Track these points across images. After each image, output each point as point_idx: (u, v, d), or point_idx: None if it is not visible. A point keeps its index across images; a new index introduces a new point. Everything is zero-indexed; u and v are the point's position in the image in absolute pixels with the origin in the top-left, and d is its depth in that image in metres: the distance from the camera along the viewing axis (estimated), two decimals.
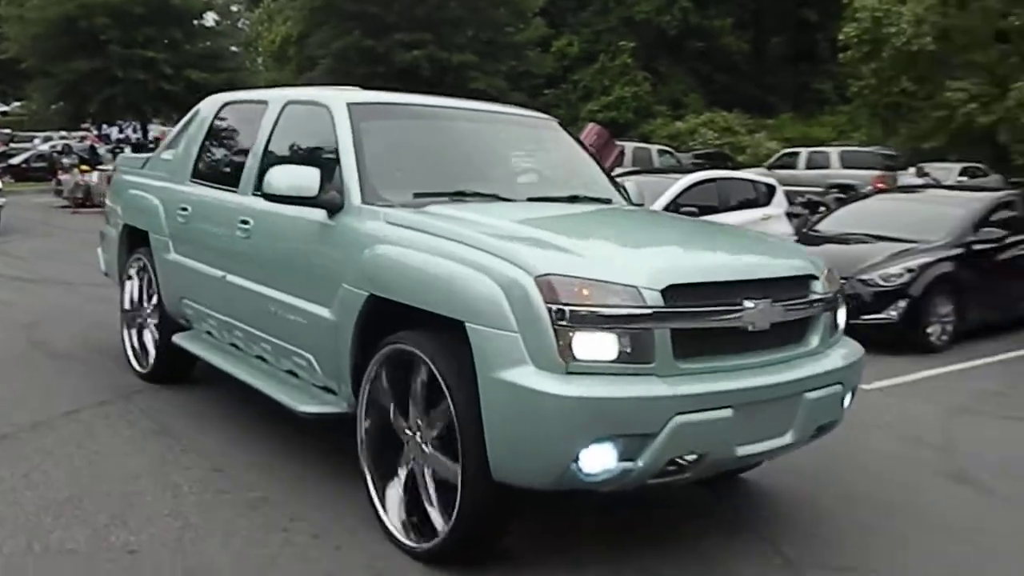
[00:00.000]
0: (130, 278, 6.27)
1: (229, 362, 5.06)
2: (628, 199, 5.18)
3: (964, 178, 24.62)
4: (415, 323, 3.69)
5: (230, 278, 4.90)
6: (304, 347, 4.32)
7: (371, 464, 3.95)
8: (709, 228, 5.11)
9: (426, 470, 3.69)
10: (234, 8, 47.19)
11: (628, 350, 3.25)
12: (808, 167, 26.71)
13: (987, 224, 9.26)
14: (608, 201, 4.96)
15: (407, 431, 3.77)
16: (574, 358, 3.20)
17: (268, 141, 4.90)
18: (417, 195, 4.27)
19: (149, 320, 6.07)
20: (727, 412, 3.37)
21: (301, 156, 4.72)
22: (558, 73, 38.30)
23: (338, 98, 4.64)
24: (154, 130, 38.72)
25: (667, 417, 3.24)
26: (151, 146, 32.56)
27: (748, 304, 3.49)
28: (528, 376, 3.20)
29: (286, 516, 4.05)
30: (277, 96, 5.08)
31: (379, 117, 4.63)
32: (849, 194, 18.34)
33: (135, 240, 6.20)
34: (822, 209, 14.20)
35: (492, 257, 3.43)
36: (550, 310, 3.21)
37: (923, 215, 9.56)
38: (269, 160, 4.82)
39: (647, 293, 3.28)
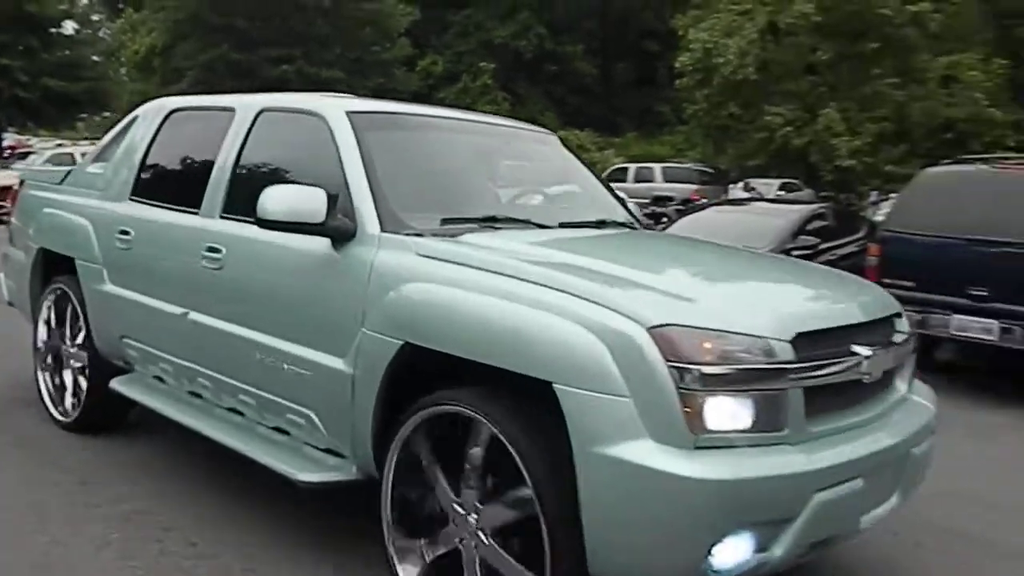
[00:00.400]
0: (46, 310, 5.01)
1: (191, 414, 4.00)
2: (639, 221, 4.33)
3: (783, 192, 25.96)
4: (467, 379, 2.83)
5: (194, 316, 3.84)
6: (303, 402, 3.35)
7: (401, 540, 3.05)
8: (775, 259, 4.35)
9: (477, 559, 2.81)
10: (95, 17, 43.82)
11: (763, 415, 2.46)
12: (636, 180, 27.63)
13: (803, 233, 9.36)
14: (632, 226, 4.10)
15: (457, 507, 2.86)
16: (705, 429, 2.43)
17: (239, 155, 3.88)
18: (446, 221, 3.37)
19: (72, 360, 4.85)
20: (859, 483, 2.67)
21: (286, 174, 3.71)
22: (423, 91, 37.42)
23: (334, 106, 3.68)
24: (8, 138, 35.36)
25: (808, 496, 2.51)
26: (6, 156, 29.72)
27: (864, 351, 2.75)
28: (648, 453, 2.42)
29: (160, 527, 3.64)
30: (247, 103, 4.05)
31: (385, 129, 3.69)
32: (666, 204, 20.25)
33: (53, 266, 4.96)
34: (664, 219, 14.39)
35: (582, 302, 2.62)
36: (673, 369, 2.42)
37: (750, 225, 9.56)
38: (243, 178, 3.81)
39: (777, 345, 2.55)
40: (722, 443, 2.44)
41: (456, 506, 2.86)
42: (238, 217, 3.77)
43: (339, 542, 3.56)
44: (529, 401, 2.65)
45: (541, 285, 2.71)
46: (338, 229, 3.22)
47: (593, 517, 2.46)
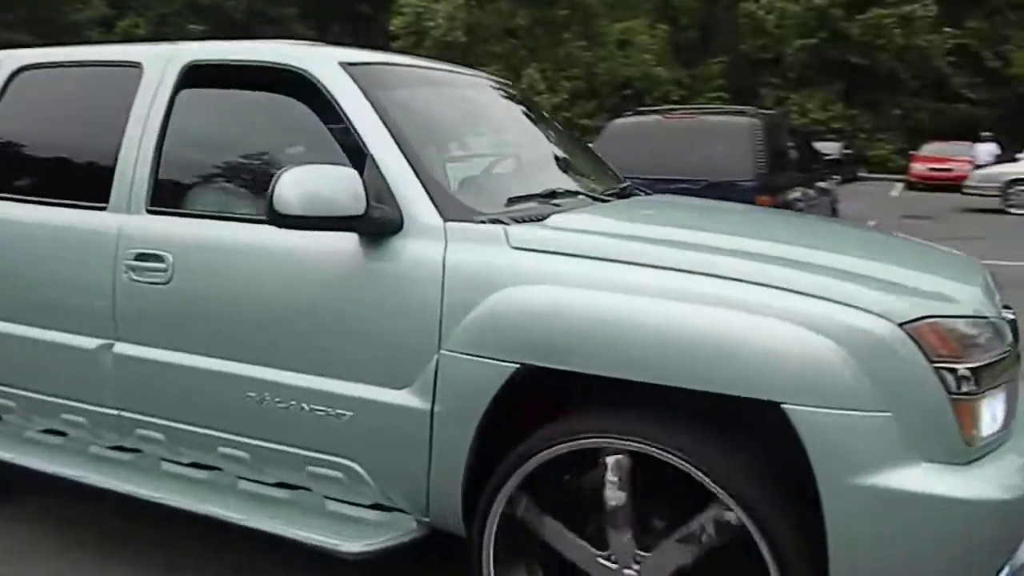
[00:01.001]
0: None
1: (122, 475, 2.74)
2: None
3: None
4: (610, 402, 2.06)
5: (122, 349, 2.59)
6: (336, 451, 2.35)
7: None
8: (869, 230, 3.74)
9: None
10: None
11: (1007, 411, 1.97)
12: None
13: None
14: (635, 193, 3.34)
15: (604, 562, 2.07)
16: (979, 438, 1.88)
17: (163, 129, 2.62)
18: (512, 200, 2.46)
19: None
20: None
21: (254, 154, 2.56)
22: None
23: (320, 58, 2.56)
24: None
25: None
26: None
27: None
28: (925, 477, 1.80)
29: None
30: (160, 55, 2.75)
31: (392, 87, 2.62)
32: None
33: None
34: None
35: (794, 297, 1.91)
36: (941, 371, 1.81)
37: None
38: (178, 160, 2.63)
39: (1001, 327, 1.99)
40: (985, 452, 1.90)
41: (603, 561, 2.09)
42: (181, 211, 2.61)
43: None
44: (724, 430, 1.95)
45: (725, 279, 1.97)
46: (382, 222, 2.24)
47: (850, 562, 1.83)
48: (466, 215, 2.25)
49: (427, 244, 2.21)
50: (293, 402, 2.36)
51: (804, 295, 1.90)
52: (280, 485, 2.54)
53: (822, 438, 1.80)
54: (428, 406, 2.17)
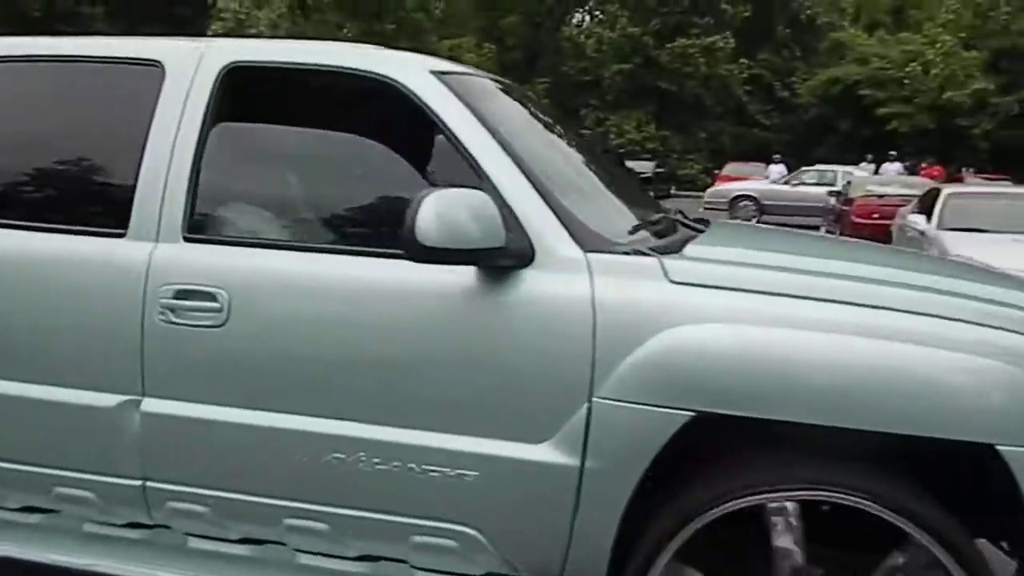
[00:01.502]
0: None
1: (148, 558, 2.23)
2: None
3: None
4: (797, 449, 1.90)
5: (156, 406, 2.12)
6: (450, 517, 2.03)
7: None
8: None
9: None
10: None
11: None
12: None
13: None
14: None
15: None
16: None
17: (200, 145, 2.17)
18: (634, 228, 2.26)
19: None
20: None
21: (324, 175, 2.18)
22: None
23: (409, 64, 2.23)
24: None
25: None
26: None
27: None
28: None
29: None
30: (187, 53, 2.27)
31: (486, 99, 2.30)
32: None
33: None
34: None
35: (972, 327, 1.86)
36: None
37: None
38: (221, 182, 2.19)
39: None
40: None
41: None
42: (235, 239, 2.18)
43: None
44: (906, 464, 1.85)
45: (902, 312, 1.86)
46: (517, 253, 1.95)
47: None
48: (605, 246, 2.01)
49: (569, 278, 1.94)
50: (398, 463, 2.00)
51: (985, 326, 1.83)
52: (363, 559, 2.16)
53: None
54: (576, 462, 1.91)
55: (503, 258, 1.92)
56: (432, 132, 2.12)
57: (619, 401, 1.88)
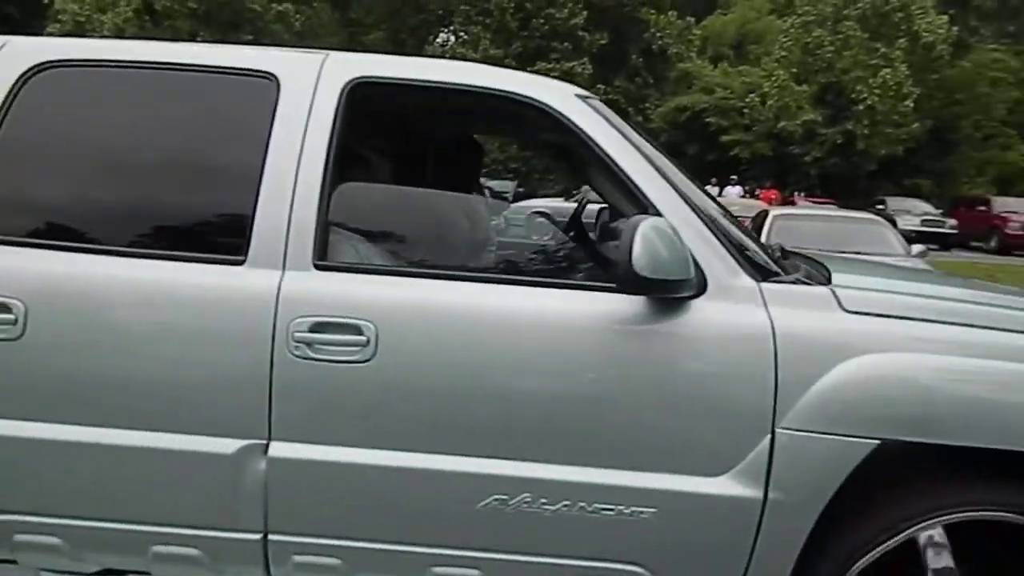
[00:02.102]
0: None
1: None
2: None
3: None
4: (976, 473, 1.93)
5: (286, 451, 1.91)
6: (625, 555, 1.95)
7: None
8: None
9: None
10: None
11: None
12: None
13: None
14: None
15: None
16: None
17: (327, 167, 1.99)
18: (784, 255, 2.27)
19: None
20: None
21: (457, 200, 2.08)
22: None
23: (555, 88, 2.13)
24: None
25: None
26: None
27: None
28: None
29: None
30: (303, 66, 2.08)
31: (621, 123, 2.21)
32: None
33: None
34: None
35: None
36: None
37: None
38: (347, 206, 2.04)
39: None
40: None
41: None
42: (368, 266, 2.01)
43: None
44: None
45: None
46: (697, 283, 1.90)
47: None
48: (772, 275, 2.01)
49: (746, 308, 1.92)
50: (566, 502, 1.90)
51: None
52: None
53: None
54: (759, 494, 1.88)
55: (687, 288, 1.87)
56: (576, 155, 2.05)
57: (804, 431, 1.87)
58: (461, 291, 1.97)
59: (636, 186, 1.98)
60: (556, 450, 1.91)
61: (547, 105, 2.03)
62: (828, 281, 2.11)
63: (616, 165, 1.99)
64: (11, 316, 1.91)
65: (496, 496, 1.91)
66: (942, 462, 1.94)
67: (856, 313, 1.94)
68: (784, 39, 34.01)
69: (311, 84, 2.04)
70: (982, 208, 21.78)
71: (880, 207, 20.61)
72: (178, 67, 2.11)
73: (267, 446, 1.93)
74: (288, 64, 2.08)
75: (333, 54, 2.12)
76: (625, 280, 1.77)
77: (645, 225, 1.76)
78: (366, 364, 1.90)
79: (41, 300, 1.94)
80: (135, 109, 2.12)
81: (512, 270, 2.09)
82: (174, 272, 1.98)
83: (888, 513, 1.93)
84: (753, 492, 1.88)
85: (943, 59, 31.25)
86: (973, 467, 1.93)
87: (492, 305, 1.95)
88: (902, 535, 1.90)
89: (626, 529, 1.91)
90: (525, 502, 1.91)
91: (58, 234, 2.04)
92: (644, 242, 1.74)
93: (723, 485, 1.89)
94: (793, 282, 2.01)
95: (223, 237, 2.02)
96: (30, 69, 2.06)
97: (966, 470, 1.94)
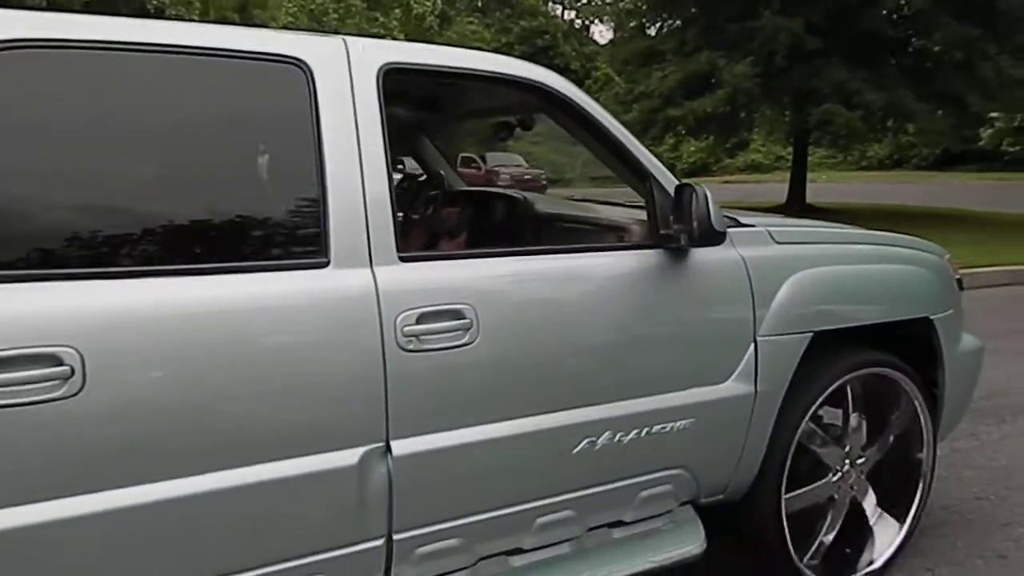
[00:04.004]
0: None
1: None
2: None
3: None
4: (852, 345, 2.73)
5: (406, 447, 1.90)
6: (667, 464, 2.35)
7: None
8: None
9: (847, 501, 2.82)
10: None
11: None
12: None
13: None
14: None
15: (845, 461, 2.78)
16: None
17: (386, 157, 1.97)
18: None
19: None
20: None
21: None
22: None
23: (548, 72, 2.30)
24: None
25: None
26: None
27: None
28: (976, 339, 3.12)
29: None
30: (329, 51, 1.92)
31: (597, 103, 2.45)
32: None
33: None
34: None
35: (903, 250, 2.95)
36: None
37: None
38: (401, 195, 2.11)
39: None
40: None
41: (845, 460, 2.76)
42: (443, 253, 2.04)
43: None
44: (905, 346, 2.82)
45: (882, 245, 2.85)
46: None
47: (950, 393, 2.95)
48: (729, 222, 2.50)
49: (725, 250, 2.40)
50: (636, 431, 2.21)
51: (909, 248, 2.93)
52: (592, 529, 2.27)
53: (945, 330, 2.87)
54: (752, 389, 2.42)
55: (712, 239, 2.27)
56: (576, 131, 2.31)
57: (772, 336, 2.44)
58: (537, 263, 2.12)
59: (635, 158, 2.31)
60: (625, 389, 2.20)
61: (549, 86, 2.23)
62: (740, 225, 2.69)
63: (616, 138, 2.30)
64: (65, 368, 1.54)
65: (587, 439, 2.14)
66: (852, 339, 2.67)
67: (784, 244, 2.56)
68: (289, 5, 34.21)
69: (345, 71, 1.94)
70: (475, 167, 24.14)
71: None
72: (194, 51, 1.81)
73: (388, 447, 1.88)
74: (315, 48, 1.93)
75: (350, 38, 2.02)
76: (706, 237, 2.13)
77: (704, 190, 2.13)
78: (472, 346, 1.95)
79: (101, 342, 1.59)
80: (154, 98, 1.78)
81: (576, 239, 2.28)
82: (255, 284, 1.77)
83: (825, 375, 2.61)
84: (748, 389, 2.41)
85: (433, 29, 34.56)
86: (868, 339, 2.71)
87: (563, 273, 2.14)
88: (835, 385, 2.61)
89: (675, 440, 2.29)
90: (607, 439, 2.17)
91: (103, 260, 1.66)
92: (715, 205, 2.11)
93: (730, 388, 2.38)
94: (739, 226, 2.54)
95: (296, 240, 1.85)
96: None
97: (864, 342, 2.71)
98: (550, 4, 34.47)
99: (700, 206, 2.14)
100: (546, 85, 2.24)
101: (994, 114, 20.67)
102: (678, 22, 18.28)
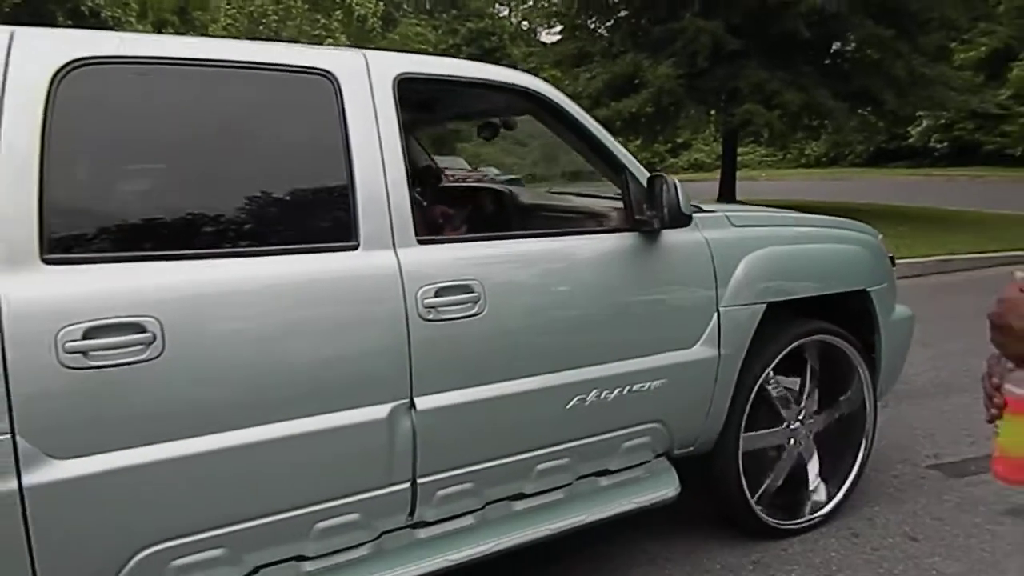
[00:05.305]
0: None
1: (425, 554, 2.31)
2: None
3: None
4: (806, 316, 3.14)
5: (427, 403, 2.23)
6: (645, 419, 2.72)
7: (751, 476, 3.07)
8: None
9: (795, 453, 3.24)
10: None
11: None
12: None
13: None
14: None
15: (796, 417, 3.20)
16: None
17: (405, 154, 2.30)
18: None
19: None
20: None
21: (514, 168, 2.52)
22: None
23: (532, 78, 2.66)
24: None
25: None
26: None
27: None
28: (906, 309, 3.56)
29: None
30: (352, 63, 2.25)
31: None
32: None
33: None
34: None
35: (841, 231, 3.38)
36: None
37: None
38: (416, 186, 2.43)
39: None
40: None
41: (798, 416, 3.18)
42: (455, 236, 2.37)
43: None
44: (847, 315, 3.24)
45: (824, 228, 3.26)
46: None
47: (886, 356, 3.38)
48: (693, 208, 2.86)
49: (692, 232, 2.77)
50: (619, 389, 2.57)
51: (840, 228, 3.35)
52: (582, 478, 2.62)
53: (880, 301, 3.30)
54: (715, 353, 2.79)
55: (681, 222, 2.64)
56: (560, 130, 2.67)
57: (732, 306, 2.82)
58: (533, 245, 2.47)
59: (611, 153, 2.67)
60: (608, 352, 2.56)
61: (535, 90, 2.59)
62: (702, 211, 3.07)
63: (596, 136, 2.66)
64: (148, 335, 1.84)
65: (578, 396, 2.48)
66: (800, 310, 3.07)
67: (739, 226, 2.95)
68: (228, 7, 33.94)
69: (366, 80, 2.26)
70: None
71: None
72: (238, 65, 2.11)
73: (412, 403, 2.20)
74: (340, 61, 2.24)
75: (368, 52, 2.34)
76: (676, 220, 2.50)
77: (673, 180, 2.50)
78: (481, 316, 2.29)
79: (177, 313, 1.88)
80: (205, 108, 2.08)
81: (562, 225, 2.62)
82: (300, 264, 2.08)
83: (780, 338, 3.01)
84: (713, 352, 2.78)
85: (376, 31, 34.62)
86: (815, 310, 3.11)
87: (559, 254, 2.49)
88: (787, 349, 3.01)
89: (651, 397, 2.65)
90: (594, 396, 2.52)
91: (178, 243, 1.95)
92: (684, 192, 2.49)
93: (697, 352, 2.75)
94: (703, 210, 2.92)
95: (330, 226, 2.16)
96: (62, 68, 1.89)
97: (811, 313, 3.12)
98: (496, 5, 34.91)
99: (670, 193, 2.51)
100: (535, 90, 2.59)
101: (921, 112, 21.60)
102: (606, 25, 18.59)
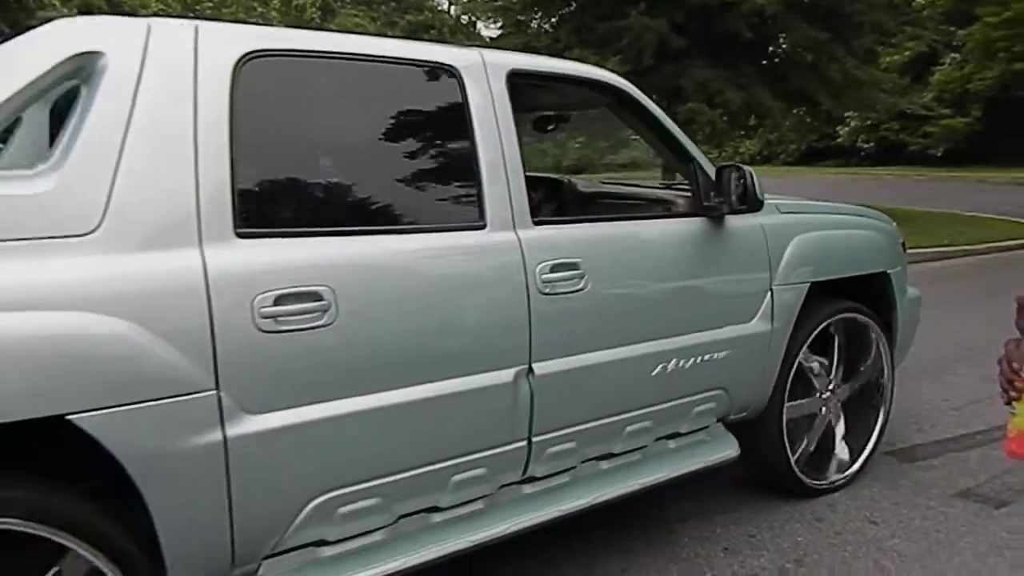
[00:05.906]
0: None
1: (527, 507, 2.57)
2: None
3: None
4: (835, 296, 3.47)
5: (544, 368, 2.46)
6: (713, 386, 3.00)
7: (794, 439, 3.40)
8: None
9: (827, 420, 3.59)
10: None
11: None
12: None
13: None
14: None
15: (828, 387, 3.54)
16: None
17: (519, 144, 2.53)
18: None
19: None
20: None
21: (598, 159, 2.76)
22: None
23: (612, 74, 2.91)
24: None
25: None
26: None
27: None
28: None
29: None
30: (473, 59, 2.45)
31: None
32: None
33: None
34: None
35: (864, 219, 3.74)
36: None
37: None
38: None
39: None
40: None
41: (829, 386, 3.51)
42: (561, 219, 2.62)
43: None
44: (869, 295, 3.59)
45: (851, 215, 3.61)
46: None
47: (901, 331, 3.75)
48: None
49: (751, 218, 3.06)
50: (694, 358, 2.85)
51: (861, 216, 3.70)
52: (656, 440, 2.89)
53: (897, 279, 3.67)
54: (769, 327, 3.10)
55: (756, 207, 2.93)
56: (639, 123, 2.93)
57: (782, 285, 3.13)
58: (626, 228, 2.72)
59: (682, 145, 2.95)
60: (686, 324, 2.83)
61: (621, 87, 2.85)
62: None
63: (668, 129, 2.93)
64: (324, 303, 2.03)
65: (661, 364, 2.75)
66: (832, 290, 3.39)
67: (787, 213, 3.26)
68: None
69: (483, 75, 2.47)
70: None
71: None
72: (382, 60, 2.31)
73: (531, 368, 2.43)
74: (462, 57, 2.45)
75: (484, 50, 2.55)
76: (754, 204, 2.78)
77: (749, 170, 2.79)
78: (585, 291, 2.53)
79: (348, 283, 2.08)
80: (355, 98, 2.27)
81: (637, 211, 2.88)
82: (442, 240, 2.29)
83: (816, 315, 3.32)
84: (767, 326, 3.08)
85: (315, 21, 34.28)
86: (842, 291, 3.45)
87: (646, 235, 2.76)
88: (822, 326, 3.33)
89: (717, 366, 2.94)
90: (674, 365, 2.79)
91: (343, 220, 2.14)
92: (759, 180, 2.78)
93: (755, 326, 3.05)
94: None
95: (464, 209, 2.37)
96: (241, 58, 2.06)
97: (843, 292, 3.45)
98: None
99: (749, 181, 2.80)
100: (618, 86, 2.85)
101: (849, 113, 22.58)
102: (552, 20, 18.84)
